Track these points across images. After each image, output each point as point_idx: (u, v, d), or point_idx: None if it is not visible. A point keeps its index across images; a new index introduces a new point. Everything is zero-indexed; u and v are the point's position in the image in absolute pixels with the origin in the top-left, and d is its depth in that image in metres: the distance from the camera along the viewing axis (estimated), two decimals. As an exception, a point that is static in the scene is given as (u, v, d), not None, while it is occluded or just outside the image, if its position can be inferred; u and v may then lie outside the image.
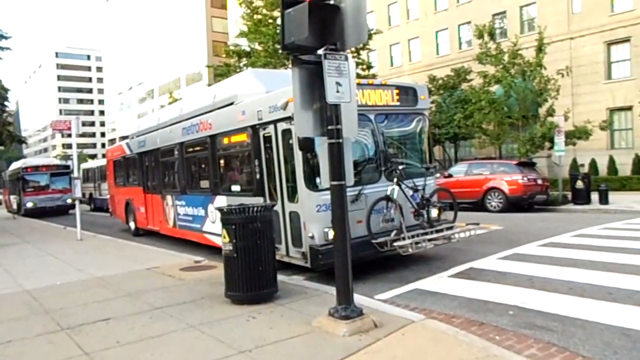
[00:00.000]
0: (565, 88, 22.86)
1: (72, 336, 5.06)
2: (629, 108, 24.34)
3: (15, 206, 28.44)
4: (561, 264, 7.46)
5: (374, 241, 7.11)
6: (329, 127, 4.75)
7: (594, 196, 16.77)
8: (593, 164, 23.90)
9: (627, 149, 24.53)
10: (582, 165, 23.95)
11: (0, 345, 4.92)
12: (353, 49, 20.93)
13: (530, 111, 20.63)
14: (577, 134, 19.57)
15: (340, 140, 4.76)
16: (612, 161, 23.83)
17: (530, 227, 11.97)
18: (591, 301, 5.60)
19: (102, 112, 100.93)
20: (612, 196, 17.02)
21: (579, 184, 17.02)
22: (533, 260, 7.92)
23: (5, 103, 23.64)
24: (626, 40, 24.77)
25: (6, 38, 21.26)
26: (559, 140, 17.86)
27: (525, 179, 16.14)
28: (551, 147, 19.12)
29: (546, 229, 11.20)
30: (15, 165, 31.55)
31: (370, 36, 23.44)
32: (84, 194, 26.69)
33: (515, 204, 15.95)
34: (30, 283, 7.87)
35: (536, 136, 19.28)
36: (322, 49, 4.71)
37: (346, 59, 4.80)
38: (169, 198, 12.17)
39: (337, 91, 4.65)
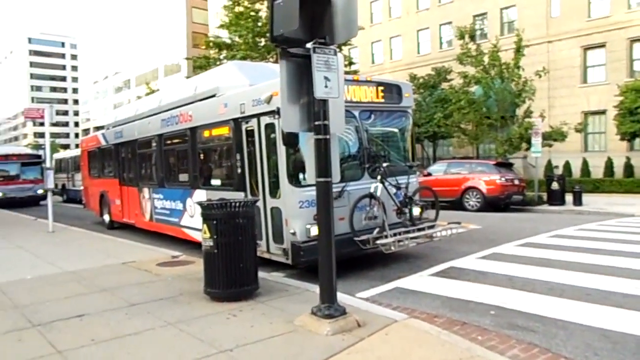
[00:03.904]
0: (542, 91, 23.31)
1: (43, 333, 4.85)
2: (603, 112, 24.93)
3: (-18, 196, 27.46)
4: (539, 264, 7.55)
5: (356, 239, 7.06)
6: (317, 123, 4.66)
7: (569, 197, 17.11)
8: (567, 166, 24.43)
9: (600, 152, 25.15)
10: (557, 166, 24.47)
11: (-34, 342, 4.70)
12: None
13: (508, 112, 20.99)
14: (554, 136, 19.98)
15: (328, 137, 4.67)
16: (585, 163, 24.40)
17: (508, 227, 12.13)
18: (570, 302, 5.66)
19: (76, 101, 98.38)
20: (586, 198, 17.41)
21: (555, 185, 17.35)
22: (512, 260, 7.99)
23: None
24: (602, 45, 25.37)
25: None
26: (536, 141, 18.16)
27: (502, 179, 16.36)
28: (528, 148, 19.45)
29: (523, 229, 11.36)
30: (-17, 153, 30.46)
31: (353, 32, 23.36)
32: (56, 185, 25.96)
33: (493, 203, 16.16)
34: (-2, 276, 7.56)
35: (514, 137, 19.60)
36: (311, 42, 4.60)
37: (335, 53, 4.71)
38: (146, 191, 11.90)
39: (326, 86, 4.55)
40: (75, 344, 4.52)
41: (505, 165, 17.80)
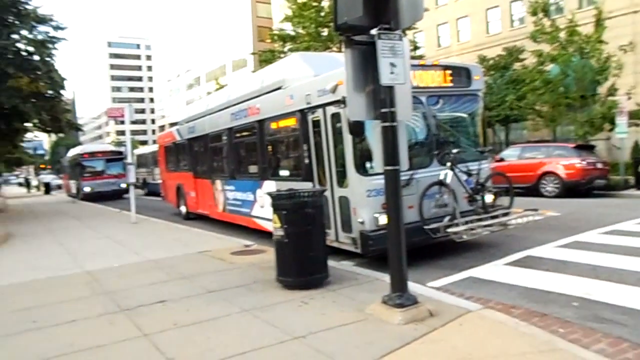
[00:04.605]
0: (628, 66, 21.41)
1: (131, 317, 5.22)
2: (700, 86, 22.56)
3: (74, 190, 29.88)
4: (627, 253, 7.03)
5: (426, 227, 6.93)
6: (383, 110, 4.60)
7: (660, 181, 15.74)
8: (657, 147, 22.40)
9: (696, 130, 22.80)
10: (645, 148, 22.50)
11: (66, 323, 5.15)
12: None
13: (588, 91, 19.50)
14: (641, 115, 18.40)
15: (395, 124, 4.59)
16: (679, 144, 22.24)
17: (590, 213, 11.37)
18: (664, 294, 5.23)
19: (151, 100, 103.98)
20: (680, 181, 15.90)
21: (643, 168, 15.99)
22: (595, 248, 7.49)
23: (62, 92, 24.66)
24: (698, 12, 22.89)
25: (62, 29, 22.00)
26: (621, 121, 16.81)
27: (584, 162, 15.31)
28: (611, 129, 18.06)
29: (607, 216, 10.61)
30: (73, 151, 33.09)
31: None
32: (138, 179, 27.64)
33: (573, 189, 15.19)
34: (90, 264, 8.21)
35: (595, 117, 18.25)
36: (376, 28, 4.53)
37: (400, 38, 4.61)
38: (218, 183, 12.37)
39: (392, 72, 4.47)
40: (159, 328, 4.81)
41: (586, 148, 16.62)
